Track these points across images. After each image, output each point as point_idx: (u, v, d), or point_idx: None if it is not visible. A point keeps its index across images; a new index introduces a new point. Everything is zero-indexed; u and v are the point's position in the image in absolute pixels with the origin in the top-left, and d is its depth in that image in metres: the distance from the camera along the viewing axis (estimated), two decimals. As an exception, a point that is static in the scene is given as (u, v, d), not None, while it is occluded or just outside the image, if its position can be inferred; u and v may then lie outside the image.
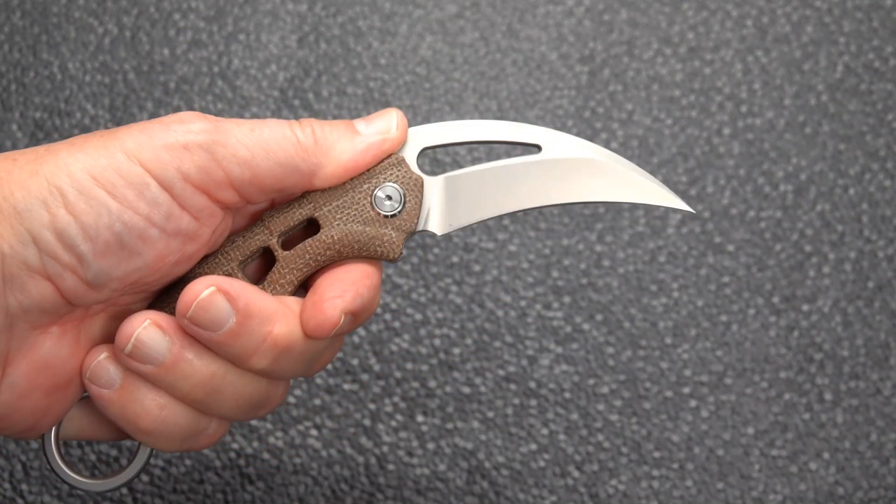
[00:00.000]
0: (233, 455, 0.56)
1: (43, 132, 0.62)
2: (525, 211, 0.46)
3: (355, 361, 0.57)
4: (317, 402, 0.57)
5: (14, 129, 0.62)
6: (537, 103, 0.63)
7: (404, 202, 0.41)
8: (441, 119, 0.63)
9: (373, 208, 0.41)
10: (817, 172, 0.61)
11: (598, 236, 0.60)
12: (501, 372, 0.57)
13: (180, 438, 0.41)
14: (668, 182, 0.61)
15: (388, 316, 0.58)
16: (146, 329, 0.39)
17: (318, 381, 0.57)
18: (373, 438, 0.56)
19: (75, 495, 0.55)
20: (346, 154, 0.41)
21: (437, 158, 0.61)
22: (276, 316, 0.39)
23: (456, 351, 0.58)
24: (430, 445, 0.56)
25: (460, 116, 0.62)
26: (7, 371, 0.39)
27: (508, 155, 0.61)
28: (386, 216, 0.41)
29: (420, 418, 0.57)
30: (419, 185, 0.42)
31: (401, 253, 0.42)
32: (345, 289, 0.40)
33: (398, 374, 0.57)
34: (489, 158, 0.62)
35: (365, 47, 0.64)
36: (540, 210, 0.60)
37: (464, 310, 0.58)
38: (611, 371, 0.58)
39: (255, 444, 0.56)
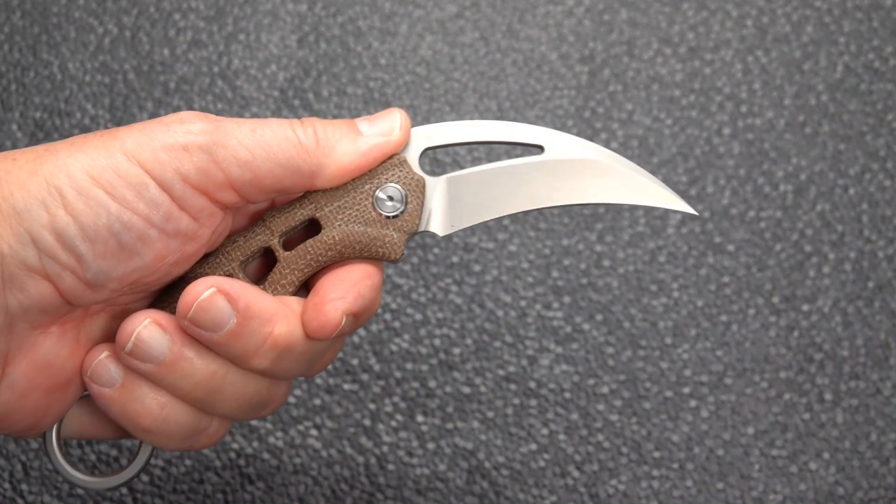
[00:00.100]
0: (233, 455, 0.56)
1: (43, 132, 0.62)
2: (527, 212, 0.46)
3: (355, 361, 0.57)
4: (317, 402, 0.57)
5: (14, 129, 0.62)
6: (537, 103, 0.63)
7: (406, 203, 0.41)
8: (441, 119, 0.63)
9: (374, 209, 0.41)
10: (817, 172, 0.61)
11: (598, 236, 0.60)
12: (501, 372, 0.57)
13: (181, 437, 0.41)
14: (668, 182, 0.61)
15: (388, 316, 0.58)
16: (147, 327, 0.39)
17: (318, 381, 0.57)
18: (373, 438, 0.56)
19: (75, 495, 0.55)
20: (348, 156, 0.40)
21: (437, 158, 0.61)
22: (276, 316, 0.39)
23: (456, 351, 0.58)
24: (430, 445, 0.56)
25: (460, 116, 0.62)
26: (7, 371, 0.39)
27: (508, 155, 0.61)
28: (388, 217, 0.41)
29: (420, 418, 0.57)
30: (421, 186, 0.41)
31: (402, 254, 0.42)
32: (346, 290, 0.40)
33: (398, 374, 0.57)
34: (489, 158, 0.62)
35: (365, 47, 0.64)
36: (540, 210, 0.60)
37: (464, 310, 0.58)
38: (611, 371, 0.58)
39: (255, 444, 0.56)
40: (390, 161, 0.41)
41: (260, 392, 0.41)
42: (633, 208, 0.60)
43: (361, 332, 0.58)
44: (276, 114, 0.62)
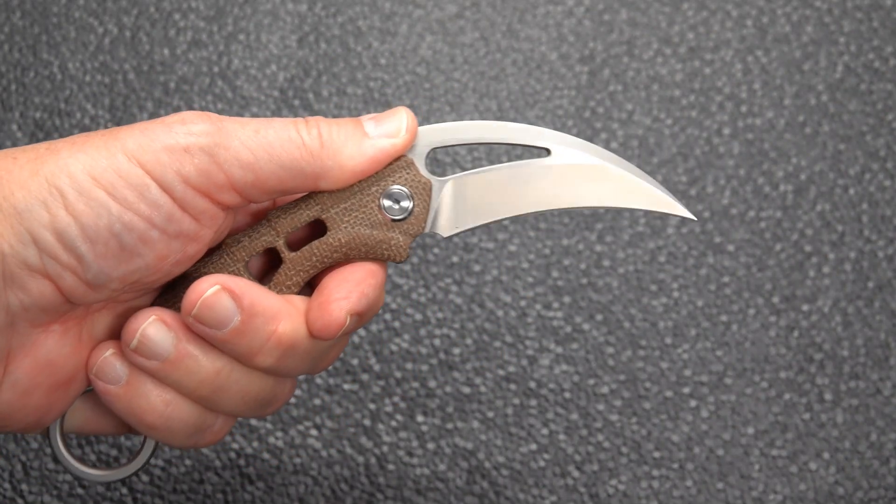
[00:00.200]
0: (233, 455, 0.56)
1: (43, 132, 0.62)
2: (532, 214, 0.46)
3: (355, 361, 0.57)
4: (317, 402, 0.57)
5: (14, 129, 0.62)
6: (537, 103, 0.63)
7: (413, 206, 0.41)
8: (441, 119, 0.63)
9: (381, 212, 0.41)
10: (817, 172, 0.61)
11: (598, 236, 0.60)
12: (501, 372, 0.57)
13: (186, 434, 0.41)
14: (668, 182, 0.61)
15: (388, 316, 0.58)
16: (152, 325, 0.39)
17: (318, 381, 0.57)
18: (373, 438, 0.56)
19: (75, 495, 0.55)
20: (353, 160, 0.40)
21: (437, 158, 0.61)
22: (280, 314, 0.39)
23: (456, 351, 0.58)
24: (430, 445, 0.56)
25: (460, 116, 0.62)
26: (9, 369, 0.39)
27: (509, 155, 0.61)
28: (394, 220, 0.41)
29: (420, 418, 0.57)
30: (427, 189, 0.41)
31: (407, 255, 0.41)
32: (350, 289, 0.40)
33: (398, 374, 0.57)
34: (489, 158, 0.62)
35: (365, 47, 0.64)
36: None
37: (464, 310, 0.58)
38: (611, 371, 0.58)
39: (255, 444, 0.56)
40: (397, 163, 0.41)
41: (264, 389, 0.41)
42: (633, 209, 0.60)
43: (361, 331, 0.58)
44: (276, 114, 0.62)
